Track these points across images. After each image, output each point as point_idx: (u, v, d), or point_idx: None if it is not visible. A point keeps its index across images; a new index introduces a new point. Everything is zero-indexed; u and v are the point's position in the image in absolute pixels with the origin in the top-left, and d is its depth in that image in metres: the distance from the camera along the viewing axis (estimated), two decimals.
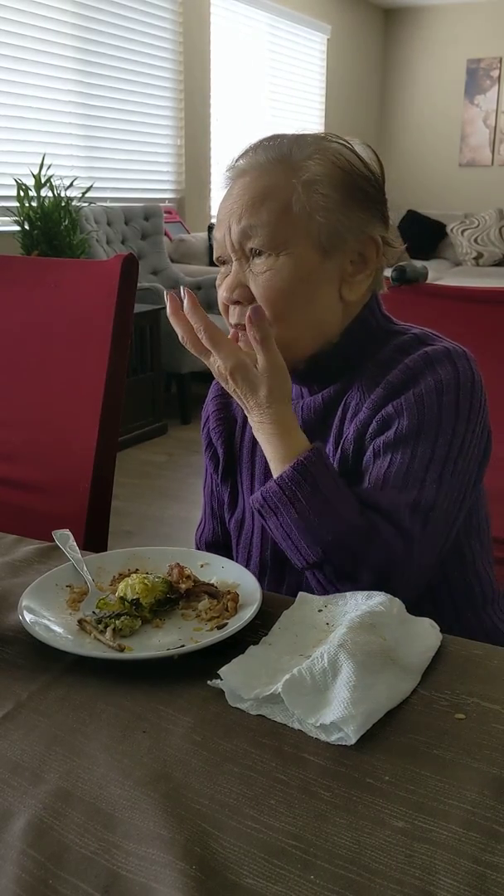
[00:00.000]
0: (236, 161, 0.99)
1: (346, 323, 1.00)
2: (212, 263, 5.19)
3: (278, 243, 0.94)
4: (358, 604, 0.83)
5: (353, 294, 0.98)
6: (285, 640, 0.80)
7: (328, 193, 0.94)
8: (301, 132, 0.99)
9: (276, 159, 0.96)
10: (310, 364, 1.00)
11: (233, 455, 1.13)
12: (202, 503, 1.23)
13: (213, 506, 1.20)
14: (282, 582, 1.04)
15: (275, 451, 0.93)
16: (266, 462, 1.06)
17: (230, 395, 1.12)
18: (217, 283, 1.01)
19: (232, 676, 0.73)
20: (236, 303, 0.97)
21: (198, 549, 1.23)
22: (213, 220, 5.52)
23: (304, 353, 0.99)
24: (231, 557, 1.13)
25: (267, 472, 1.06)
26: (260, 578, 1.06)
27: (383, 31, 7.88)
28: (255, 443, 1.09)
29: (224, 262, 1.00)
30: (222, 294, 0.99)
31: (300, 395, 1.04)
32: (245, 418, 1.10)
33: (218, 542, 1.20)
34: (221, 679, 0.73)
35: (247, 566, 1.08)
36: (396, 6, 7.71)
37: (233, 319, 0.98)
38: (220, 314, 1.02)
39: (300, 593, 0.89)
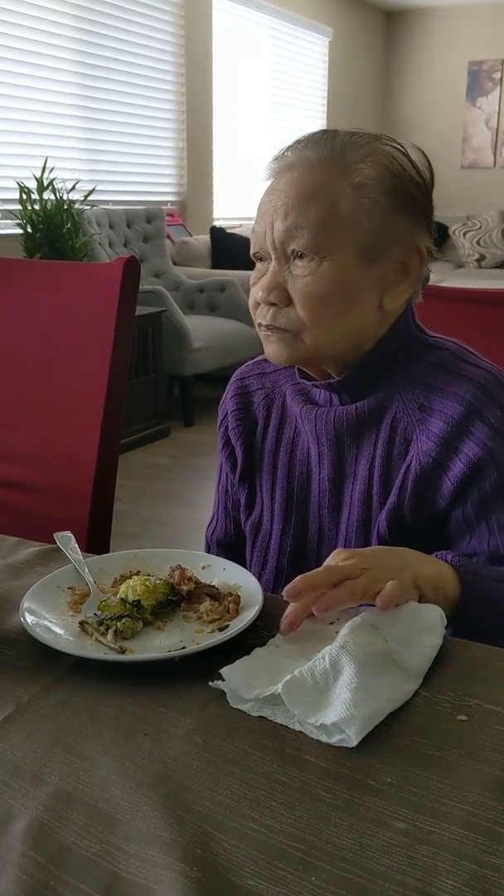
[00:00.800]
0: (284, 153, 0.96)
1: (382, 331, 0.98)
2: (214, 266, 5.20)
3: (322, 247, 0.91)
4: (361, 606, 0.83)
5: (394, 303, 0.96)
6: (292, 645, 0.79)
7: (377, 199, 0.91)
8: (355, 130, 0.95)
9: (328, 157, 0.92)
10: (342, 372, 0.99)
11: (252, 456, 1.11)
12: (214, 501, 1.22)
13: (226, 505, 1.18)
14: None
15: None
16: (289, 465, 1.06)
17: (251, 394, 1.10)
18: (252, 279, 0.98)
19: (233, 677, 0.73)
20: (272, 304, 0.94)
21: (208, 547, 1.22)
22: (216, 223, 5.54)
23: (336, 358, 0.98)
24: (243, 557, 1.14)
25: (290, 476, 1.06)
26: (276, 583, 1.07)
27: (385, 34, 7.89)
28: (277, 445, 1.08)
29: (261, 259, 0.97)
30: (257, 293, 0.96)
31: (329, 402, 1.02)
32: (267, 419, 1.10)
33: (230, 542, 1.19)
34: (223, 679, 0.73)
35: (262, 569, 1.09)
36: (398, 8, 7.72)
37: (264, 320, 0.96)
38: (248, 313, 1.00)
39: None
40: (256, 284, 0.97)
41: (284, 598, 0.80)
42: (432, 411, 0.95)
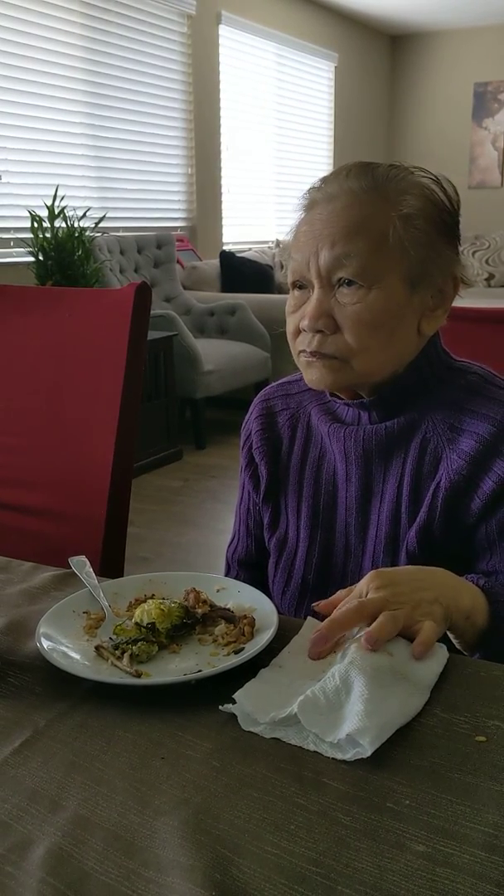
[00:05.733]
0: (322, 185, 0.97)
1: (415, 355, 1.00)
2: (223, 290, 5.23)
3: (371, 275, 0.92)
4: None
5: (430, 328, 0.98)
6: (295, 665, 0.80)
7: (423, 228, 0.93)
8: (393, 163, 0.97)
9: (372, 188, 0.94)
10: (373, 392, 1.00)
11: (277, 475, 1.12)
12: (235, 521, 1.22)
13: (248, 524, 1.18)
14: None
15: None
16: (315, 484, 1.07)
17: (276, 414, 1.12)
18: (289, 308, 0.99)
19: (246, 700, 0.73)
20: (318, 331, 0.95)
21: (229, 567, 1.22)
22: (226, 248, 5.58)
23: (377, 381, 0.99)
24: (265, 576, 1.14)
25: (315, 495, 1.07)
26: (300, 600, 1.07)
27: (390, 58, 7.96)
28: (303, 464, 1.09)
29: (301, 287, 0.97)
30: (301, 321, 0.96)
31: (357, 421, 1.03)
32: (292, 438, 1.10)
33: (251, 561, 1.19)
34: (235, 703, 0.73)
35: (285, 586, 1.09)
36: (403, 32, 7.80)
37: (309, 347, 0.96)
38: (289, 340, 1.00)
39: (309, 618, 0.89)
40: (297, 312, 0.97)
41: (310, 653, 0.80)
42: (463, 431, 0.97)
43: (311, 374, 0.98)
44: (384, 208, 0.93)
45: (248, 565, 1.19)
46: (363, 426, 1.02)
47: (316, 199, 0.97)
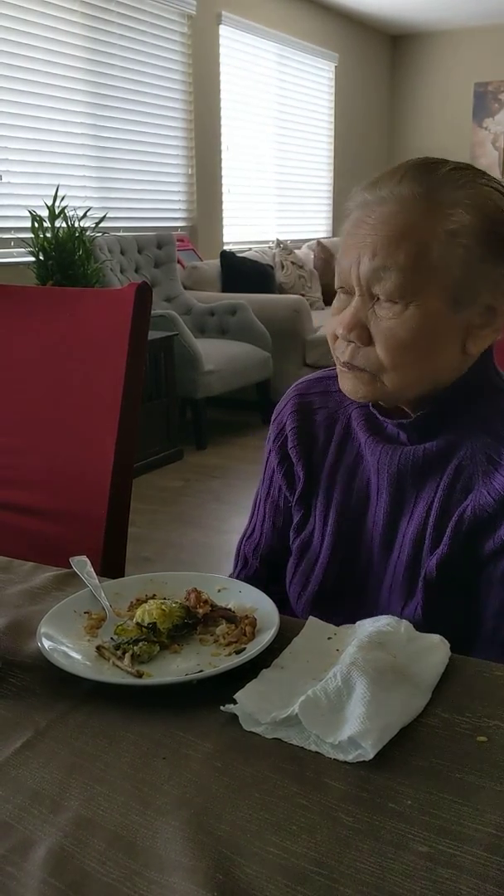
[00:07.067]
0: (377, 183, 0.91)
1: (461, 374, 0.95)
2: (224, 290, 5.23)
3: (409, 292, 0.87)
4: (365, 627, 0.84)
5: (477, 348, 0.93)
6: (297, 665, 0.80)
7: (471, 246, 0.87)
8: (455, 166, 0.91)
9: (423, 196, 0.88)
10: (417, 409, 0.96)
11: (311, 476, 1.07)
12: (256, 514, 1.17)
13: (274, 520, 1.13)
14: (338, 613, 0.96)
15: None
16: (347, 491, 1.02)
17: (314, 412, 1.07)
18: (333, 310, 0.96)
19: (248, 701, 0.73)
20: (351, 342, 0.92)
21: (246, 561, 1.17)
22: (226, 247, 5.58)
23: (412, 399, 0.95)
24: (282, 574, 1.11)
25: (345, 503, 1.03)
26: (313, 606, 1.04)
27: (391, 58, 7.96)
28: (336, 467, 1.05)
29: (346, 293, 0.93)
30: (337, 329, 0.93)
31: (397, 437, 0.99)
32: (328, 439, 1.06)
33: (276, 560, 1.14)
34: (236, 703, 0.73)
35: (301, 591, 1.06)
36: (403, 32, 7.80)
37: (343, 357, 0.93)
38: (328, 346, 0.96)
39: (310, 618, 0.89)
40: (337, 316, 0.94)
41: None
42: (500, 466, 0.92)
43: (345, 384, 0.96)
44: (430, 220, 0.87)
45: (272, 564, 1.14)
46: (402, 446, 0.98)
47: (367, 199, 0.91)
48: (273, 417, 1.13)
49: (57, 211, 3.81)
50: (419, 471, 0.97)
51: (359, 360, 0.92)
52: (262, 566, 1.15)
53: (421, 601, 0.95)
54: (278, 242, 5.80)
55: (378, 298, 0.89)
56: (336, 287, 0.95)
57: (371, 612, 0.89)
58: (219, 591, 0.95)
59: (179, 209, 5.43)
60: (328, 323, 0.96)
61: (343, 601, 1.02)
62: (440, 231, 0.87)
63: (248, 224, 6.12)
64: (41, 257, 3.81)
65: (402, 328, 0.88)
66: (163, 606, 0.87)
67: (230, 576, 1.09)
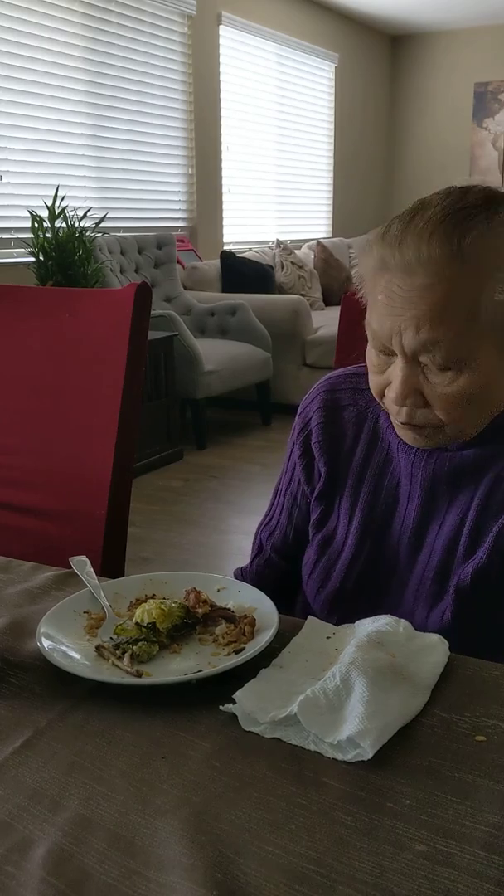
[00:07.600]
0: (401, 241, 0.84)
1: None
2: (224, 290, 5.23)
3: (461, 358, 0.84)
4: (364, 626, 0.84)
5: None
6: (296, 665, 0.80)
7: None
8: (488, 205, 0.84)
9: (458, 257, 0.81)
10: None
11: (335, 473, 1.06)
12: (275, 502, 1.17)
13: (291, 512, 1.13)
14: (357, 611, 0.94)
15: None
16: (374, 492, 1.01)
17: (342, 409, 1.06)
18: (371, 366, 0.93)
19: (247, 700, 0.73)
20: (406, 406, 0.90)
21: (262, 548, 1.17)
22: (226, 248, 5.58)
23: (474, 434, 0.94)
24: (297, 566, 1.10)
25: (372, 503, 1.02)
26: (332, 604, 1.03)
27: (391, 58, 7.96)
28: (364, 467, 1.03)
29: (385, 354, 0.90)
30: (390, 394, 0.90)
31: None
32: (356, 438, 1.05)
33: (287, 551, 1.14)
34: (235, 703, 0.73)
35: (320, 587, 1.05)
36: (403, 32, 7.80)
37: (400, 418, 0.91)
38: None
39: (310, 618, 0.89)
40: (381, 375, 0.92)
41: None
42: None
43: (405, 436, 0.95)
44: (473, 287, 0.82)
45: (284, 554, 1.15)
46: (437, 451, 0.97)
47: (389, 262, 0.85)
48: (299, 411, 1.12)
49: (57, 211, 3.82)
50: (454, 477, 0.97)
51: (418, 420, 0.91)
52: (274, 555, 1.16)
53: (451, 606, 0.94)
54: (278, 242, 5.81)
55: (427, 364, 0.87)
56: (372, 346, 0.92)
57: (392, 612, 0.88)
58: (218, 590, 0.95)
59: (179, 209, 5.43)
60: (372, 381, 0.94)
61: (363, 600, 1.01)
62: (485, 295, 0.83)
63: (248, 224, 6.12)
64: (41, 257, 3.81)
65: (459, 392, 0.87)
66: (162, 606, 0.87)
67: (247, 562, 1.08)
